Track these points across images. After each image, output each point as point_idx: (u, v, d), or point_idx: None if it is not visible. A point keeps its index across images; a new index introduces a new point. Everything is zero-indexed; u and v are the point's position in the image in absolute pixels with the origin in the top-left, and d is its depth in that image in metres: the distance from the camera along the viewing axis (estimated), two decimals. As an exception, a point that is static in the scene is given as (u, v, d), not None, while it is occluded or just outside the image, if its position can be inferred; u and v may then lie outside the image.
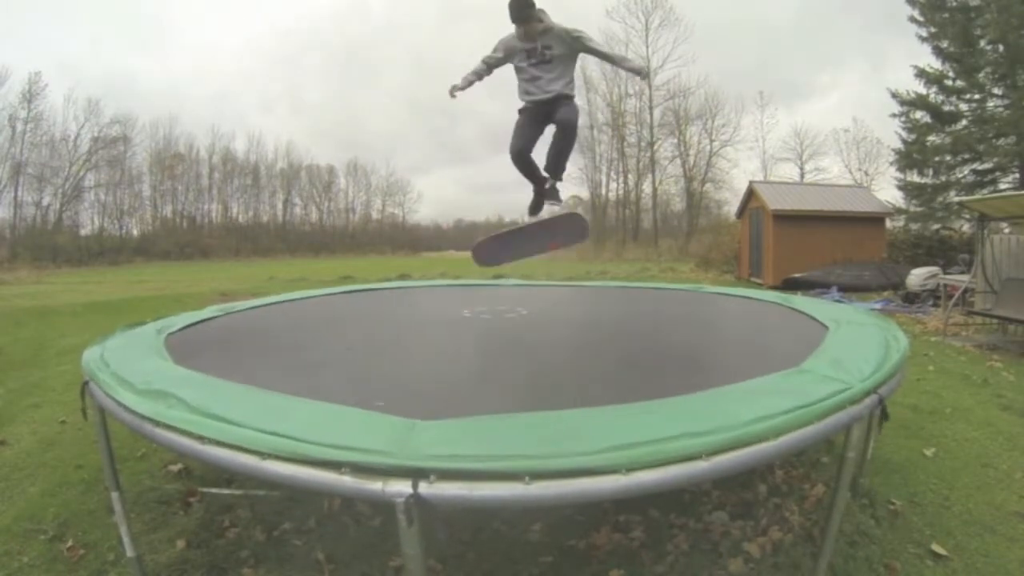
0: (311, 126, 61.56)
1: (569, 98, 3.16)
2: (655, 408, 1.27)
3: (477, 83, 3.21)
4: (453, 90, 3.15)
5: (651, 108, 34.65)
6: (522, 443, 1.12)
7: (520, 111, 3.23)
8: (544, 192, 3.24)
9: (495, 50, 3.17)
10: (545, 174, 3.24)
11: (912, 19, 16.58)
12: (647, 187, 35.75)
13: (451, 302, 4.46)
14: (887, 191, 20.63)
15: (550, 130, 3.20)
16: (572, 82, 3.18)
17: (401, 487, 1.00)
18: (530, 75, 3.12)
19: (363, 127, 62.68)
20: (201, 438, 1.21)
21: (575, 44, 3.09)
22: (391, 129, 62.93)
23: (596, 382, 2.04)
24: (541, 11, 3.03)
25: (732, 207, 22.10)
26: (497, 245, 3.48)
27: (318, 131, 60.12)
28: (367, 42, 62.45)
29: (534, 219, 3.34)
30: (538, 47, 3.06)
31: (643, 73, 3.30)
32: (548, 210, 3.36)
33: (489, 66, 3.19)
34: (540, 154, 3.26)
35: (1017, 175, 15.07)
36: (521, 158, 3.19)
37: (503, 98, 3.44)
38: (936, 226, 15.61)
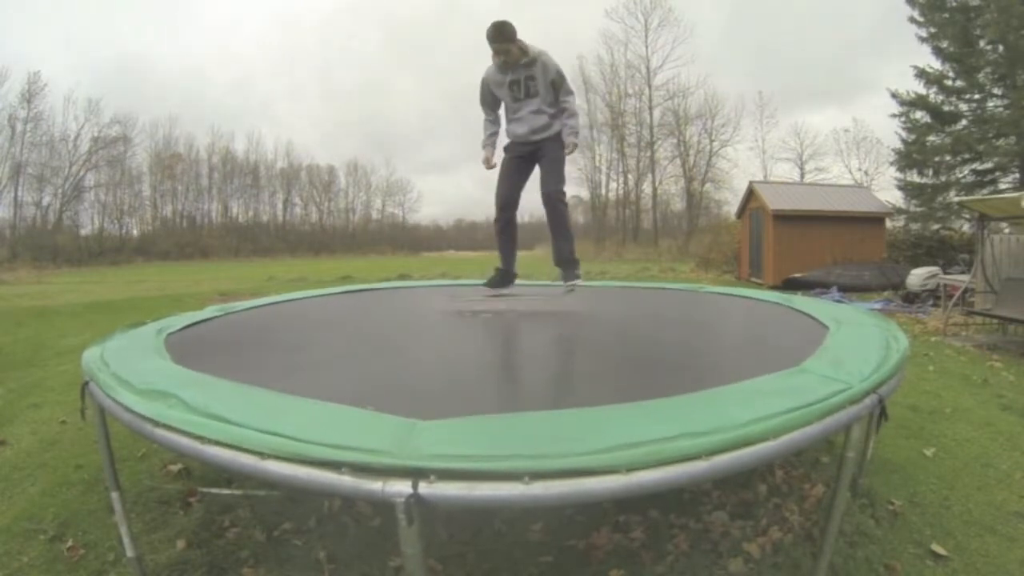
0: (314, 126, 61.62)
1: (557, 139, 2.95)
2: (655, 408, 1.27)
3: (499, 134, 3.08)
4: (487, 162, 3.03)
5: (651, 108, 34.74)
6: (522, 443, 1.12)
7: (506, 149, 3.05)
8: (560, 275, 2.96)
9: (482, 97, 3.01)
10: (558, 264, 2.98)
11: (912, 19, 16.60)
12: (647, 187, 35.86)
13: (451, 302, 4.46)
14: (887, 191, 20.64)
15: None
16: (559, 116, 2.96)
17: (401, 487, 1.00)
18: (513, 110, 2.95)
19: (368, 126, 62.75)
20: (201, 438, 1.21)
21: (555, 80, 2.89)
22: (396, 128, 62.98)
23: (596, 382, 2.03)
24: (521, 41, 2.83)
25: (732, 207, 22.15)
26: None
27: (322, 131, 60.17)
28: (373, 40, 62.48)
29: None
30: (521, 79, 2.87)
31: (570, 143, 3.01)
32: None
33: (494, 114, 3.05)
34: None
35: (1017, 175, 15.07)
36: (505, 213, 2.98)
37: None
38: (936, 226, 15.61)
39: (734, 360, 2.13)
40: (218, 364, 1.81)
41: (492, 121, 3.06)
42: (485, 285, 2.97)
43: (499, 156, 3.12)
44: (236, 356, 2.22)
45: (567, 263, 2.89)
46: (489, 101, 3.01)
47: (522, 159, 3.00)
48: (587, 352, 2.79)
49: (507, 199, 2.99)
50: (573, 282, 2.81)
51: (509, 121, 2.99)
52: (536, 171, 3.07)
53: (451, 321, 3.31)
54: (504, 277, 2.99)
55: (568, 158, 3.02)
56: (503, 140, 3.10)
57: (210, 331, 2.74)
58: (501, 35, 2.73)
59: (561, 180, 2.93)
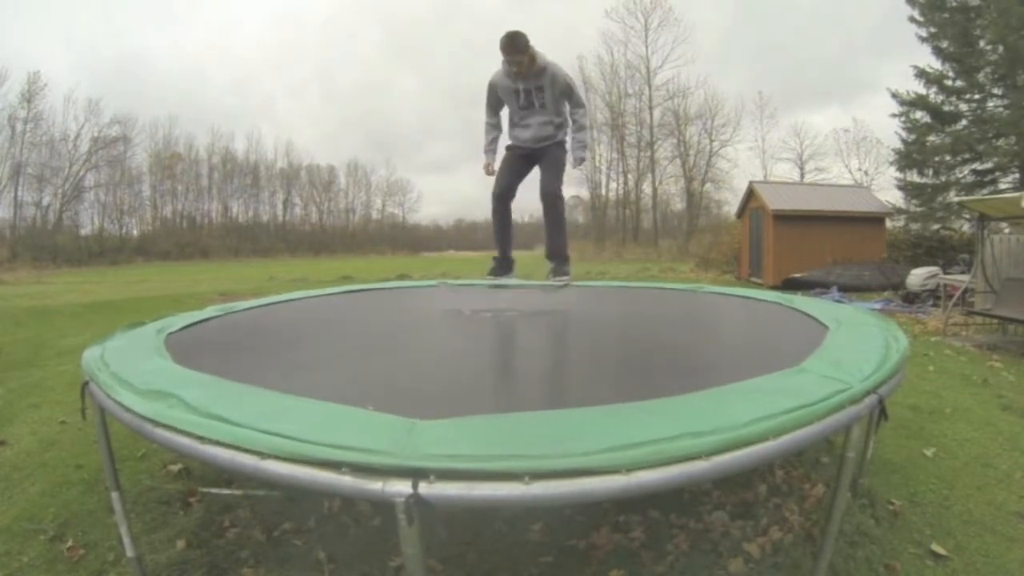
0: (314, 126, 61.58)
1: (559, 144, 2.96)
2: (655, 408, 1.27)
3: (501, 137, 3.07)
4: (488, 168, 3.03)
5: (651, 108, 34.73)
6: (522, 443, 1.12)
7: (508, 148, 3.05)
8: (551, 269, 2.97)
9: (488, 100, 2.99)
10: (549, 261, 2.99)
11: (912, 19, 16.60)
12: (647, 187, 35.85)
13: (451, 302, 4.45)
14: (887, 191, 20.61)
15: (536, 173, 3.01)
16: (564, 124, 2.96)
17: (401, 487, 1.00)
18: (519, 118, 2.94)
19: (368, 126, 62.74)
20: (201, 438, 1.21)
21: (564, 93, 2.88)
22: (396, 128, 62.92)
23: (596, 382, 2.01)
24: (533, 50, 2.79)
25: (732, 207, 22.15)
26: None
27: (322, 131, 60.10)
28: (373, 40, 62.44)
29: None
30: (531, 89, 2.84)
31: (578, 158, 3.03)
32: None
33: (496, 117, 3.03)
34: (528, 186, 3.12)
35: (1017, 175, 15.07)
36: (502, 203, 2.99)
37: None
38: (936, 226, 15.60)
39: (734, 360, 2.13)
40: (218, 364, 1.81)
41: (494, 125, 3.04)
42: (488, 275, 3.00)
43: (500, 155, 3.11)
44: (236, 356, 2.22)
45: (560, 258, 2.95)
46: (494, 104, 2.99)
47: (523, 159, 3.01)
48: (587, 353, 2.79)
49: (504, 189, 3.00)
50: (563, 278, 2.87)
51: (513, 126, 2.99)
52: (535, 171, 3.07)
53: (450, 321, 3.31)
54: (502, 265, 3.03)
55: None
56: (504, 142, 3.09)
57: (210, 331, 2.73)
58: (514, 46, 2.70)
59: (560, 180, 2.96)
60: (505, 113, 3.10)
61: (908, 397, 3.69)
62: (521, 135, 2.96)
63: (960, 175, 16.11)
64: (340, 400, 1.37)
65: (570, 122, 3.00)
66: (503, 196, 3.01)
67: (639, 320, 3.37)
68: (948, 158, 15.94)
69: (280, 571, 1.86)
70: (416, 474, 1.01)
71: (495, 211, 3.02)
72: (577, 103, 2.94)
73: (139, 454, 2.81)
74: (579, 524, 2.07)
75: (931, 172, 16.53)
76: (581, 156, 3.01)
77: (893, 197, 17.92)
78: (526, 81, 2.83)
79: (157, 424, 1.32)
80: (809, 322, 2.52)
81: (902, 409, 3.42)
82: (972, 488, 2.44)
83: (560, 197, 2.95)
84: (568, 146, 3.05)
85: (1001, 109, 15.22)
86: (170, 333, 2.40)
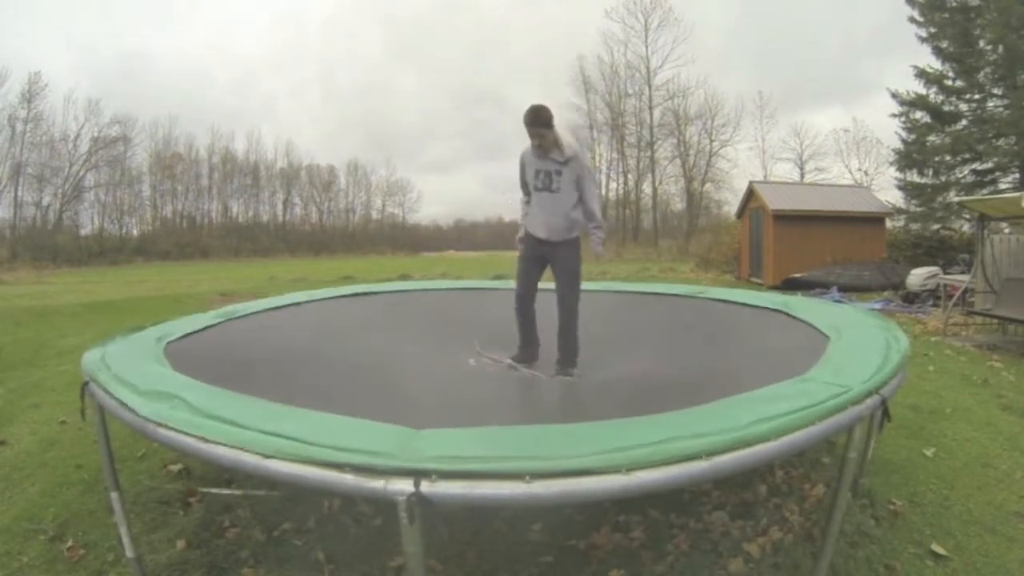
0: (314, 126, 61.54)
1: (572, 243, 2.96)
2: (658, 421, 1.27)
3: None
4: (520, 241, 3.06)
5: (651, 108, 34.74)
6: (523, 446, 1.12)
7: (520, 240, 3.07)
8: (557, 366, 2.93)
9: (520, 177, 3.03)
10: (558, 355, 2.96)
11: (912, 19, 16.60)
12: (647, 187, 35.86)
13: (452, 305, 4.45)
14: (887, 191, 20.58)
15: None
16: (579, 220, 2.96)
17: (403, 485, 1.00)
18: (536, 200, 2.93)
19: (368, 126, 62.74)
20: (204, 438, 1.21)
21: (580, 177, 2.90)
22: (396, 128, 62.88)
23: (596, 396, 2.02)
24: (558, 134, 2.83)
25: (732, 207, 22.12)
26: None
27: (322, 131, 60.01)
28: (373, 39, 62.46)
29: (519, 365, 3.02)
30: (550, 171, 2.86)
31: (596, 252, 3.07)
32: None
33: (529, 197, 3.04)
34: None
35: (1017, 175, 15.07)
36: (523, 305, 3.02)
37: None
38: (936, 226, 15.59)
39: (735, 377, 2.11)
40: (218, 377, 1.79)
41: (527, 202, 3.07)
42: (510, 359, 3.02)
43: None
44: (236, 369, 2.21)
45: (568, 356, 2.92)
46: (524, 182, 3.02)
47: (537, 260, 3.03)
48: (587, 366, 2.79)
49: (524, 295, 3.04)
50: (569, 378, 2.85)
51: (527, 212, 3.00)
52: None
53: (451, 326, 3.31)
54: (525, 352, 3.04)
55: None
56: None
57: (210, 340, 2.70)
58: (537, 119, 2.74)
59: (577, 289, 2.97)
60: None
61: (908, 397, 3.68)
62: (534, 226, 2.96)
63: (960, 175, 16.11)
64: (342, 412, 1.37)
65: (585, 204, 2.98)
66: (523, 300, 3.03)
67: (639, 333, 3.36)
68: (948, 158, 15.93)
69: (280, 571, 1.86)
70: (418, 473, 1.02)
71: (517, 312, 3.04)
72: (592, 191, 2.94)
73: (139, 454, 2.80)
74: (579, 524, 2.07)
75: (931, 172, 16.53)
76: (598, 252, 3.06)
77: (893, 197, 17.93)
78: (546, 162, 2.85)
79: (160, 424, 1.32)
80: (810, 332, 2.52)
81: (902, 409, 3.42)
82: (972, 488, 2.44)
83: (576, 305, 2.95)
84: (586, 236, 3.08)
85: (1001, 109, 15.21)
86: (169, 342, 2.39)
